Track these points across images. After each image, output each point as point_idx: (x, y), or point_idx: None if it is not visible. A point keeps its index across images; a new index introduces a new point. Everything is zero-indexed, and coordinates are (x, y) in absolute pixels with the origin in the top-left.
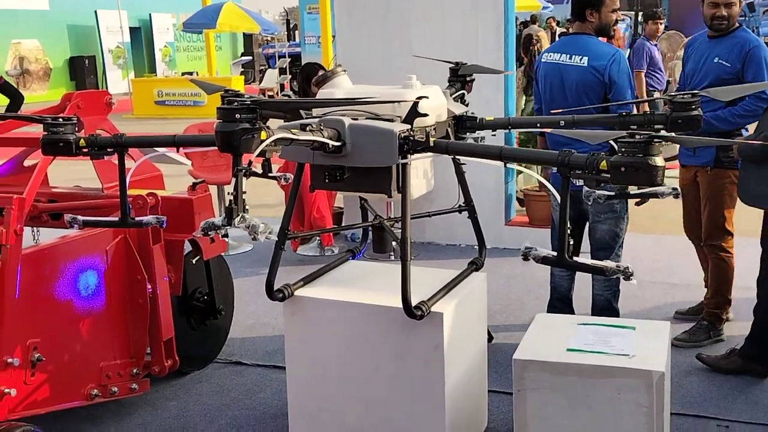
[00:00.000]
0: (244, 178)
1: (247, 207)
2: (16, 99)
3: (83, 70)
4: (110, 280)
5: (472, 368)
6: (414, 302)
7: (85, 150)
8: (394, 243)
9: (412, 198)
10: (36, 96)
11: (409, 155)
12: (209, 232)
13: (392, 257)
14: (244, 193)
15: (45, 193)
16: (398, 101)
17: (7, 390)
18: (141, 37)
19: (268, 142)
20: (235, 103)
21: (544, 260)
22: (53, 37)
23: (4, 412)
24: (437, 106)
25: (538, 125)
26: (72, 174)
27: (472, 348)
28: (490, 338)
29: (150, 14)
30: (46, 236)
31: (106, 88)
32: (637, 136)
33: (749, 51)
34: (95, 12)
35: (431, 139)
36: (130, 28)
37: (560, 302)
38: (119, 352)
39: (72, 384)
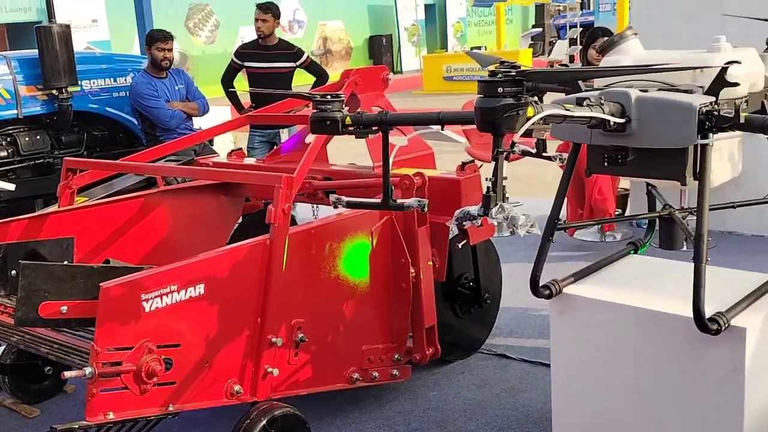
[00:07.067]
0: (506, 162)
1: (507, 195)
2: (321, 77)
3: (381, 48)
4: (374, 262)
5: None
6: (708, 313)
7: (351, 128)
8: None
9: (713, 186)
10: (337, 74)
11: (711, 134)
12: (464, 223)
13: (685, 247)
14: (505, 178)
15: (321, 171)
16: (700, 67)
17: (270, 369)
18: (435, 13)
19: (534, 119)
20: (499, 75)
21: None
22: (354, 17)
23: (266, 391)
24: (752, 74)
25: None
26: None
27: None
28: None
29: None
30: (325, 213)
31: (401, 65)
32: None
33: None
34: None
35: (742, 115)
36: (424, 5)
37: None
38: (381, 337)
39: (334, 366)
